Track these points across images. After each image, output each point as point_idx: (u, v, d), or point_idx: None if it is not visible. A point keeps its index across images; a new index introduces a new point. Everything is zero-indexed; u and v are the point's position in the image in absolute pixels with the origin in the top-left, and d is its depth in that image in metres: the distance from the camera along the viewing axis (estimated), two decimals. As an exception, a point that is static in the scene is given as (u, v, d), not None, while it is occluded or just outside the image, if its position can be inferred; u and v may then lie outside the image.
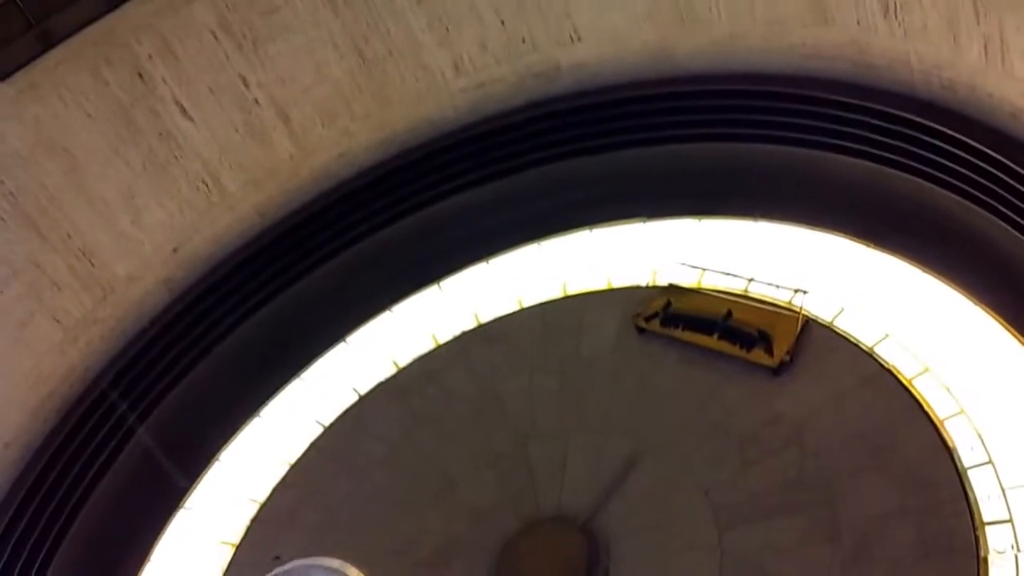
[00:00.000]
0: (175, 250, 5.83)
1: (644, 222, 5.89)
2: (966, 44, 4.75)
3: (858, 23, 5.09)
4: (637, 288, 5.62)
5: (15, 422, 5.26)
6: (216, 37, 5.54)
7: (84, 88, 5.31)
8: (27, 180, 5.22)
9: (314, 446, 5.54)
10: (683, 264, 5.47)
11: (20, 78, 5.07)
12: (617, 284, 5.72)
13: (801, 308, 5.02)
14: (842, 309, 5.05)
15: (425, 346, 5.82)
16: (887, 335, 4.88)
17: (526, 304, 5.81)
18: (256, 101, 5.80)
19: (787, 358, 4.89)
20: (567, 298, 5.76)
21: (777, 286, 5.18)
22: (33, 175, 5.23)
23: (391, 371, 5.76)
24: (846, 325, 5.01)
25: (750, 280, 5.30)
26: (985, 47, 4.67)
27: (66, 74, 5.23)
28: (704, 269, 5.42)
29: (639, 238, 5.87)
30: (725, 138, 5.63)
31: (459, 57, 5.96)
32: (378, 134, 6.10)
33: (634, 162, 5.84)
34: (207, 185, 5.83)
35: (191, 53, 5.52)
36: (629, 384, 5.20)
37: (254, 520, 5.29)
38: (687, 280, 5.44)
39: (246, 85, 5.73)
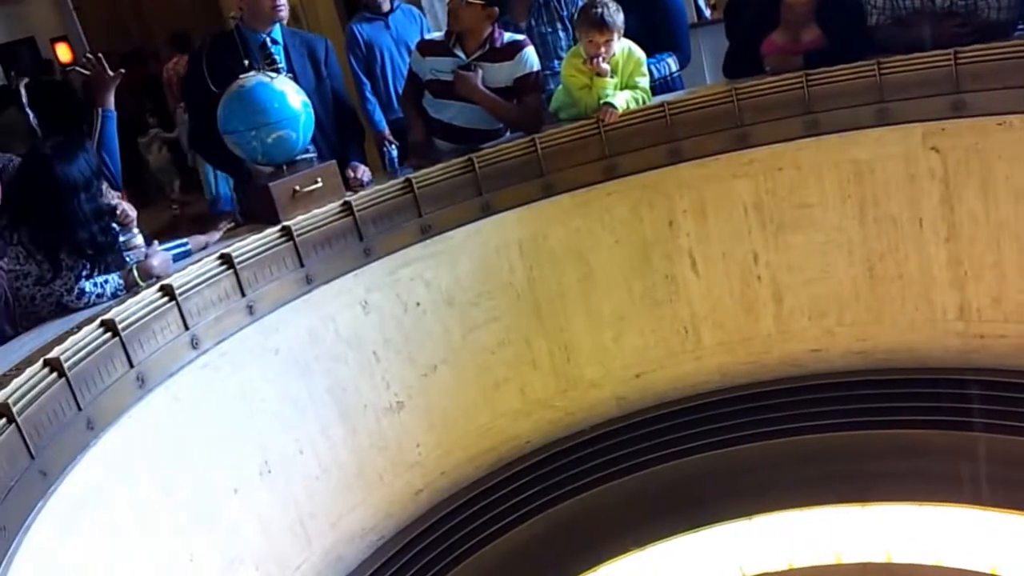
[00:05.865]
0: (637, 375, 6.38)
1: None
2: None
3: None
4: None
5: (456, 459, 6.07)
6: (746, 212, 6.09)
7: (622, 218, 6.14)
8: (559, 274, 6.10)
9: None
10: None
11: (579, 195, 6.06)
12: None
13: None
14: None
15: (827, 559, 5.69)
16: None
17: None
18: (758, 277, 6.21)
19: None
20: None
21: None
22: (552, 271, 6.11)
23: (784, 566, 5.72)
24: None
25: None
26: None
27: (612, 203, 6.11)
28: None
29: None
30: None
31: (968, 303, 5.86)
32: (859, 344, 6.16)
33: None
34: (686, 331, 6.34)
35: (719, 219, 6.13)
36: None
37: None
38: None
39: (755, 261, 6.18)
